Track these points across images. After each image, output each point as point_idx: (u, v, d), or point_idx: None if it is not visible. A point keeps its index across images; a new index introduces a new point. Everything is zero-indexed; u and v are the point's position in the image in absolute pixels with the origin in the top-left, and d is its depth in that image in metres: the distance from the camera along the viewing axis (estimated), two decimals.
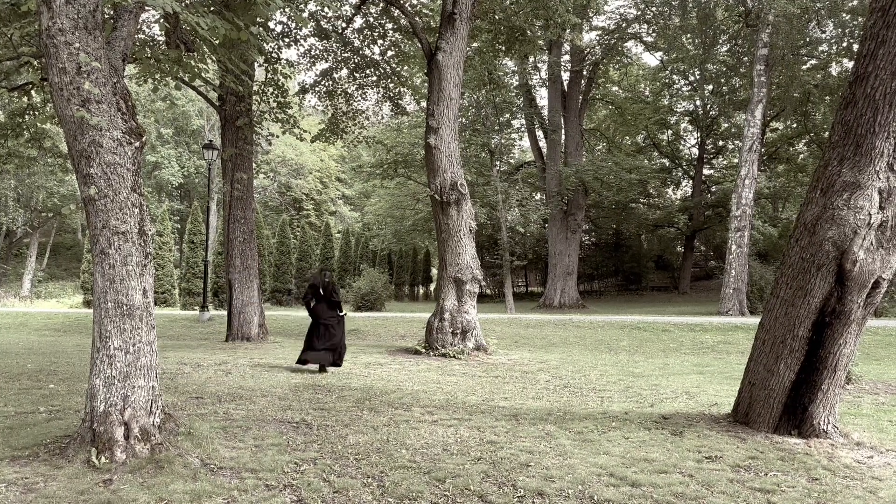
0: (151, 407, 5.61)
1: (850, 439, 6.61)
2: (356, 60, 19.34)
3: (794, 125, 37.46)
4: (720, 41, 34.52)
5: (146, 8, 6.26)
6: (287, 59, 17.44)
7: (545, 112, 36.91)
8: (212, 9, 6.66)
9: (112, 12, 5.83)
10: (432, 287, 46.88)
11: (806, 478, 5.48)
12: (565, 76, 36.05)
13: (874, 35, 6.12)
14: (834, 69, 30.87)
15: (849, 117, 6.24)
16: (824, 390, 6.53)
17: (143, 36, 14.87)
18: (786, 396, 6.65)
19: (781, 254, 7.08)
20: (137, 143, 5.60)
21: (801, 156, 39.90)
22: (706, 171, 45.73)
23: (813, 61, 32.01)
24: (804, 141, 38.48)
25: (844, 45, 29.00)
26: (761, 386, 6.83)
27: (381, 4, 18.20)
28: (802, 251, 6.48)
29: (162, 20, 7.48)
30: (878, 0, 6.15)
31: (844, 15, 27.83)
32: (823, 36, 30.96)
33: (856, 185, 6.15)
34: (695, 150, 45.64)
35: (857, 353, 12.23)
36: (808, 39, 30.41)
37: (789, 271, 6.62)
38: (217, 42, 7.14)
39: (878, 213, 6.16)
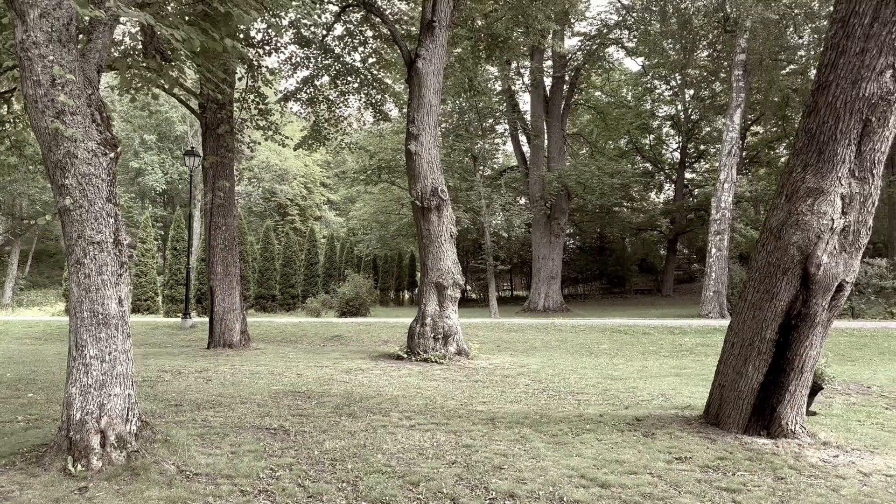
0: (128, 415, 5.66)
1: (817, 439, 6.76)
2: (337, 68, 19.42)
3: (774, 129, 37.94)
4: (700, 47, 34.91)
5: (121, 20, 6.32)
6: (268, 67, 17.49)
7: (528, 117, 37.13)
8: (187, 19, 6.73)
9: (87, 24, 5.89)
10: (417, 292, 46.92)
11: (772, 477, 5.62)
12: (548, 81, 36.30)
13: (835, 45, 6.30)
14: (812, 74, 31.30)
15: (812, 125, 6.41)
16: (791, 391, 6.68)
17: (122, 47, 14.88)
18: (754, 398, 6.79)
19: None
20: (112, 154, 5.65)
21: (782, 159, 40.38)
22: (688, 175, 46.20)
23: (792, 66, 32.46)
24: (784, 144, 38.97)
25: (822, 50, 29.41)
26: (731, 388, 6.97)
27: (362, 12, 18.29)
28: (769, 255, 6.64)
29: (138, 31, 7.54)
30: (839, 11, 6.33)
31: (822, 21, 28.26)
32: (801, 42, 31.41)
33: (819, 191, 6.32)
34: (676, 155, 46.09)
35: (830, 353, 12.47)
36: (786, 45, 30.83)
37: (756, 275, 6.78)
38: (197, 52, 7.21)
39: (840, 218, 6.33)
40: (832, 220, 6.30)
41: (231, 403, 8.47)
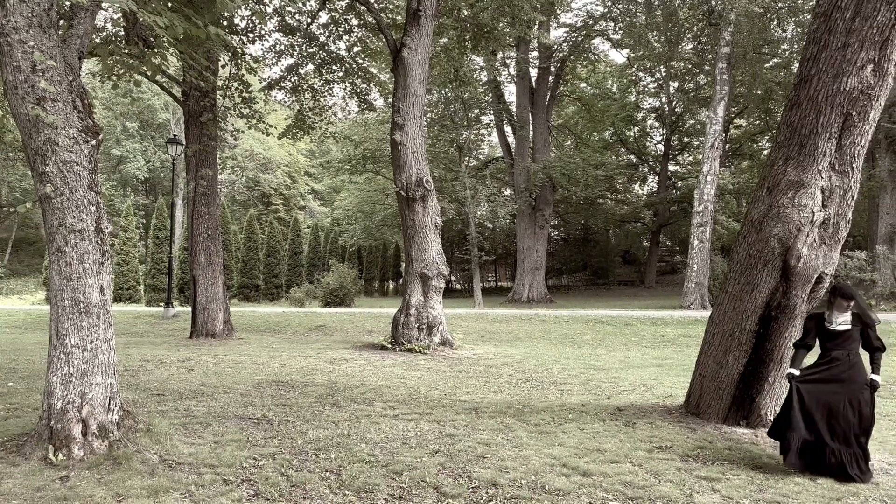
0: (109, 404, 5.63)
1: None
2: (322, 56, 19.30)
3: (757, 122, 38.20)
4: (684, 39, 35.03)
5: (103, 6, 6.24)
6: (251, 55, 17.35)
7: (514, 108, 37.12)
8: (170, 5, 6.66)
9: (69, 9, 5.81)
10: (402, 282, 46.77)
11: (750, 466, 5.70)
12: (533, 73, 36.28)
13: (817, 39, 6.35)
14: (795, 68, 31.44)
15: (793, 118, 6.47)
16: (771, 382, 6.78)
17: (104, 33, 14.71)
18: (734, 388, 6.88)
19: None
20: (94, 141, 5.60)
21: (764, 152, 40.67)
22: (671, 168, 46.43)
23: (775, 60, 32.66)
24: (766, 137, 39.26)
25: (804, 44, 29.58)
26: (711, 378, 7.06)
27: (347, 0, 18.17)
28: (750, 248, 6.71)
29: (120, 17, 7.45)
30: (821, 6, 6.38)
31: (805, 15, 28.44)
32: (785, 35, 31.60)
33: (800, 184, 6.38)
34: (660, 147, 46.29)
35: None
36: (769, 39, 31.01)
37: (737, 267, 6.85)
38: (180, 38, 7.15)
39: (820, 210, 6.40)
40: (812, 212, 6.38)
41: (214, 393, 8.45)
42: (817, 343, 5.91)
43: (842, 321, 5.72)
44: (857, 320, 5.72)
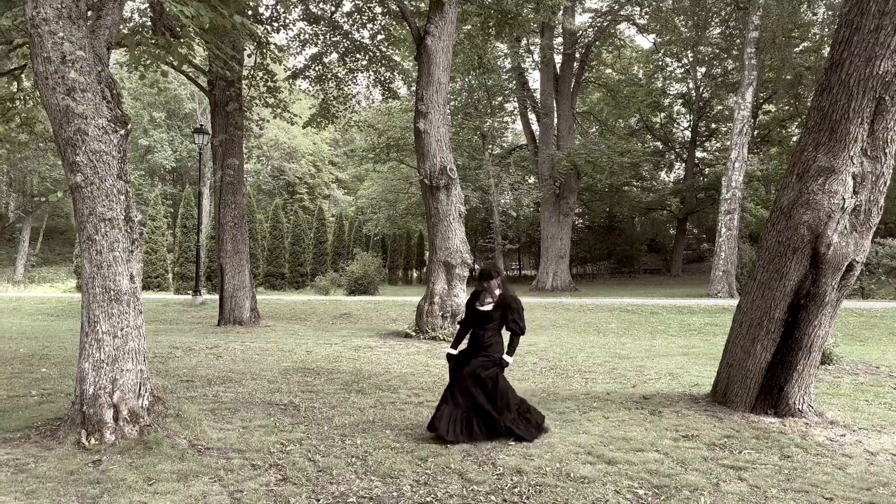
0: (140, 390, 5.73)
1: (824, 418, 6.77)
2: (346, 45, 19.30)
3: (787, 108, 37.56)
4: (712, 23, 34.48)
5: None
6: (276, 44, 17.41)
7: (538, 95, 36.84)
8: None
9: (97, 0, 5.87)
10: (426, 271, 46.79)
11: (778, 455, 5.64)
12: (558, 59, 35.94)
13: (849, 22, 6.22)
14: (826, 51, 30.91)
15: (824, 103, 6.35)
16: (799, 371, 6.69)
17: (131, 24, 14.85)
18: (762, 377, 6.81)
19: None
20: (123, 131, 5.67)
21: (794, 138, 39.99)
22: (699, 154, 45.88)
23: (805, 44, 32.06)
24: (796, 123, 38.61)
25: (836, 27, 28.98)
26: (739, 367, 6.99)
27: None
28: (779, 235, 6.61)
29: (147, 8, 7.51)
30: None
31: None
32: (815, 18, 30.99)
33: (830, 170, 6.28)
34: (687, 133, 45.73)
35: (839, 334, 12.44)
36: (799, 22, 30.42)
37: (766, 255, 6.76)
38: (205, 28, 7.20)
39: (851, 197, 6.29)
40: (843, 199, 6.27)
41: (241, 379, 8.56)
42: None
43: (487, 302, 6.01)
44: (500, 302, 5.96)
